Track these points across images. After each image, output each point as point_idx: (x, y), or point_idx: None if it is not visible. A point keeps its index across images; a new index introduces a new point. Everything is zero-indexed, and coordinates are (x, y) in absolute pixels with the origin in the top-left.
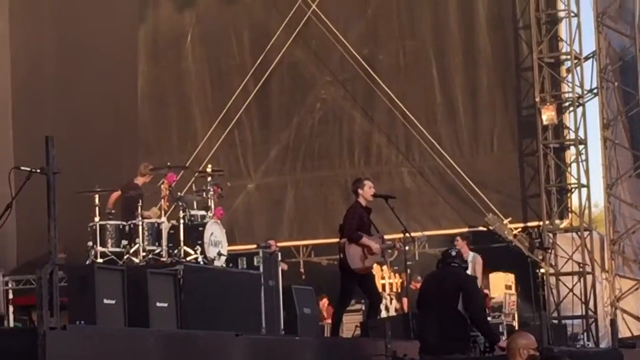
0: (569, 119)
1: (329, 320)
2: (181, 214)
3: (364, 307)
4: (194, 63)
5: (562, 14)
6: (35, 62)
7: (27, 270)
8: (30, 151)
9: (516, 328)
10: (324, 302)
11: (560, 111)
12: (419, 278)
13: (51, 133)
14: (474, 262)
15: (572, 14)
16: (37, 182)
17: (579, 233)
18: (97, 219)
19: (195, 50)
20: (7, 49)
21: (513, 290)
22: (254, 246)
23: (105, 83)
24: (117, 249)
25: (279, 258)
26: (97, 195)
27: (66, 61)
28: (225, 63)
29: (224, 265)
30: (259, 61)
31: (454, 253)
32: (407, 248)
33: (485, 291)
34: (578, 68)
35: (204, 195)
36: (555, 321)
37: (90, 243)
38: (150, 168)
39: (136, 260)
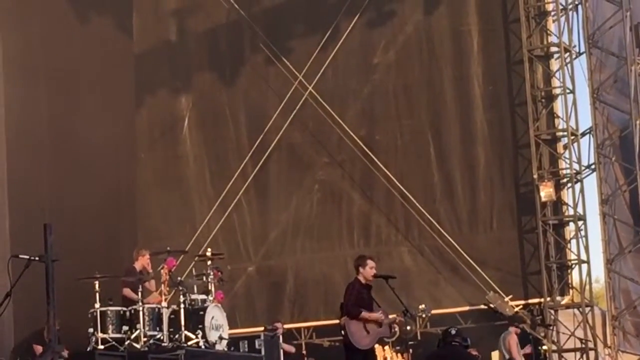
0: (567, 195)
1: None
2: (182, 298)
3: None
4: (191, 147)
5: (557, 91)
6: (31, 149)
7: (23, 354)
8: (26, 239)
9: None
10: None
11: (558, 187)
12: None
13: (49, 220)
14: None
15: (568, 91)
16: (34, 269)
17: (581, 309)
18: (97, 305)
19: (193, 134)
20: (3, 138)
21: None
22: (260, 328)
23: (102, 169)
24: (118, 335)
25: (281, 340)
26: (97, 282)
27: (62, 148)
28: (223, 146)
29: (226, 349)
30: (256, 144)
31: (454, 332)
32: (408, 328)
33: None
34: (575, 144)
35: (204, 279)
36: None
37: (90, 330)
38: (148, 253)
39: (137, 345)
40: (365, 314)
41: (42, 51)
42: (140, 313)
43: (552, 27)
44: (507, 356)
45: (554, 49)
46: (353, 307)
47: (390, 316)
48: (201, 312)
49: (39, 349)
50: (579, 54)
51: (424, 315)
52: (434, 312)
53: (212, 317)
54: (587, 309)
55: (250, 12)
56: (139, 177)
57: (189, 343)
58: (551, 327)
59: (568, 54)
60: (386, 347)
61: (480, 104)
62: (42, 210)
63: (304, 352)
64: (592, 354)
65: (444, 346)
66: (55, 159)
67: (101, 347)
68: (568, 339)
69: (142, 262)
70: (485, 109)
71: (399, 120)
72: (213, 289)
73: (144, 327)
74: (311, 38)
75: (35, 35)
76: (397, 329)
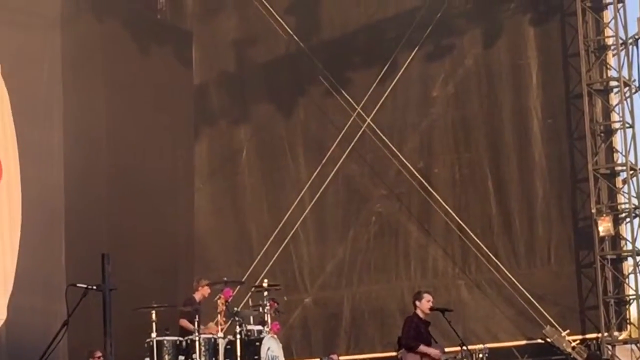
0: (625, 230)
1: None
2: (238, 329)
3: None
4: (249, 177)
5: (617, 125)
6: (89, 176)
7: None
8: (82, 268)
9: None
10: None
11: (617, 222)
12: None
13: (106, 249)
14: None
15: (627, 125)
16: (89, 299)
17: (639, 345)
18: (154, 334)
19: (251, 164)
20: (61, 164)
21: None
22: None
23: (161, 199)
24: None
25: None
26: (153, 312)
27: (121, 177)
28: (281, 177)
29: None
30: (314, 175)
31: None
32: None
33: None
34: (634, 179)
35: (261, 310)
36: None
37: (147, 359)
38: (207, 283)
39: None
40: (423, 348)
41: (103, 81)
42: (197, 343)
43: (611, 61)
44: None
45: (613, 83)
46: (411, 339)
47: (447, 350)
48: (257, 343)
49: None
50: (639, 88)
51: (481, 356)
52: (490, 345)
53: (268, 348)
54: None
55: (309, 44)
56: (197, 207)
57: None
58: None
59: (628, 88)
60: None
61: (539, 138)
62: (99, 239)
63: None
64: None
65: None
66: (113, 187)
67: None
68: None
69: (202, 292)
70: (544, 143)
71: (457, 153)
72: (269, 320)
73: (200, 357)
74: (370, 70)
75: (97, 67)
76: None
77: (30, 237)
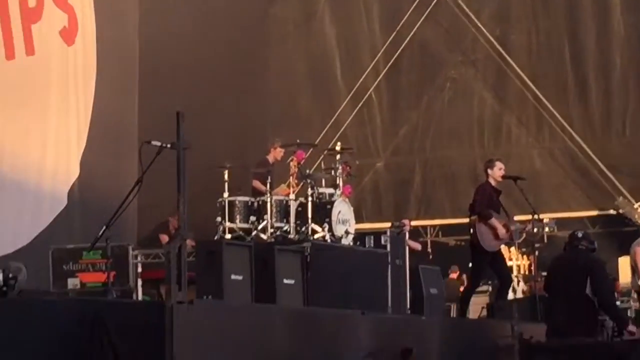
0: None
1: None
2: (309, 191)
3: (490, 289)
4: (324, 41)
5: None
6: (163, 40)
7: (147, 244)
8: (154, 127)
9: None
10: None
11: None
12: (455, 268)
13: (179, 109)
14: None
15: None
16: (161, 159)
17: None
18: (226, 194)
19: (325, 28)
20: (136, 22)
21: None
22: (386, 224)
23: (235, 61)
24: (245, 225)
25: (407, 237)
26: (226, 172)
27: (194, 40)
28: (355, 41)
29: (352, 243)
30: (389, 40)
31: (580, 235)
32: (535, 230)
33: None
34: None
35: (333, 173)
36: None
37: (218, 219)
38: (280, 145)
39: (264, 236)
40: (494, 221)
41: None
42: (268, 204)
43: None
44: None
45: None
46: (484, 208)
47: (517, 223)
48: (328, 206)
49: (164, 238)
50: None
51: (548, 229)
52: (561, 215)
53: (339, 212)
54: None
55: None
56: (271, 70)
57: (315, 236)
58: None
59: None
60: (512, 249)
61: (618, 6)
62: (172, 99)
63: (429, 249)
64: None
65: (570, 250)
66: (188, 47)
67: (228, 236)
68: None
69: (275, 154)
70: (623, 12)
71: (535, 21)
72: (341, 183)
73: (271, 219)
74: None
75: None
76: (524, 235)
77: (103, 95)
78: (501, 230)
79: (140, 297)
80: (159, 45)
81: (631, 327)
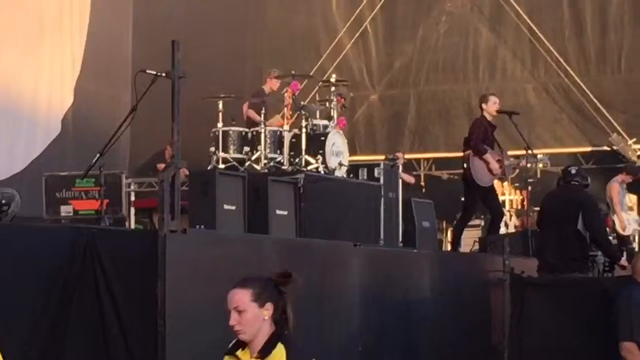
0: None
1: None
2: (304, 123)
3: (482, 223)
4: None
5: None
6: None
7: (141, 172)
8: (148, 56)
9: (636, 250)
10: None
11: None
12: None
13: (174, 37)
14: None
15: None
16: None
17: None
18: (220, 124)
19: None
20: None
21: (635, 212)
22: (379, 157)
23: None
24: (239, 156)
25: (400, 170)
26: (220, 102)
27: None
28: None
29: (345, 175)
30: None
31: (574, 171)
32: (529, 165)
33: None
34: None
35: (327, 105)
36: None
37: (212, 149)
38: (276, 75)
39: (257, 167)
40: (489, 157)
41: None
42: (262, 135)
43: None
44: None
45: None
46: (480, 143)
47: (511, 158)
48: (322, 138)
49: (161, 166)
50: None
51: (541, 165)
52: (555, 150)
53: (333, 143)
54: None
55: None
56: (267, 1)
57: (309, 167)
58: None
59: None
60: (505, 184)
61: None
62: (167, 27)
63: (423, 183)
64: None
65: (563, 185)
66: None
67: (222, 166)
68: None
69: (271, 84)
70: None
71: None
72: (335, 115)
73: (264, 149)
74: None
75: None
76: (517, 170)
77: (98, 23)
78: (494, 165)
79: (133, 226)
80: None
81: (623, 261)
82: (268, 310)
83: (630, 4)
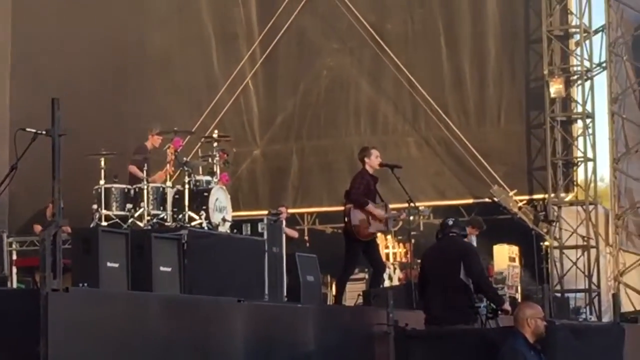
0: (577, 93)
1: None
2: (186, 179)
3: (367, 276)
4: (200, 29)
5: None
6: (37, 18)
7: (22, 231)
8: (27, 114)
9: (519, 300)
10: None
11: (568, 84)
12: None
13: (54, 94)
14: None
15: None
16: (34, 146)
17: (584, 206)
18: (102, 182)
19: (202, 15)
20: (9, 11)
21: (517, 263)
22: (263, 212)
23: (110, 48)
24: (122, 213)
25: (284, 225)
26: (102, 159)
27: (70, 22)
28: (232, 29)
29: (229, 231)
30: (267, 28)
31: (451, 222)
32: (411, 218)
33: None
34: (587, 41)
35: (210, 160)
36: (558, 294)
37: (95, 206)
38: (158, 132)
39: (140, 224)
40: (371, 207)
41: None
42: (145, 192)
43: None
44: None
45: None
46: (360, 196)
47: (393, 211)
48: (205, 194)
49: (38, 228)
50: None
51: (422, 217)
52: (437, 203)
53: (217, 199)
54: (591, 206)
55: None
56: (146, 57)
57: (193, 223)
58: (554, 223)
59: None
60: (388, 237)
61: None
62: (47, 83)
63: (307, 237)
64: (593, 251)
65: (442, 237)
66: (60, 34)
67: (104, 223)
68: (570, 235)
69: (153, 141)
70: (498, 2)
71: (410, 8)
72: (218, 171)
73: (147, 206)
74: None
75: None
76: (400, 223)
77: None
78: (380, 213)
79: (14, 285)
80: (31, 31)
81: (506, 306)
82: None
83: (507, 60)
